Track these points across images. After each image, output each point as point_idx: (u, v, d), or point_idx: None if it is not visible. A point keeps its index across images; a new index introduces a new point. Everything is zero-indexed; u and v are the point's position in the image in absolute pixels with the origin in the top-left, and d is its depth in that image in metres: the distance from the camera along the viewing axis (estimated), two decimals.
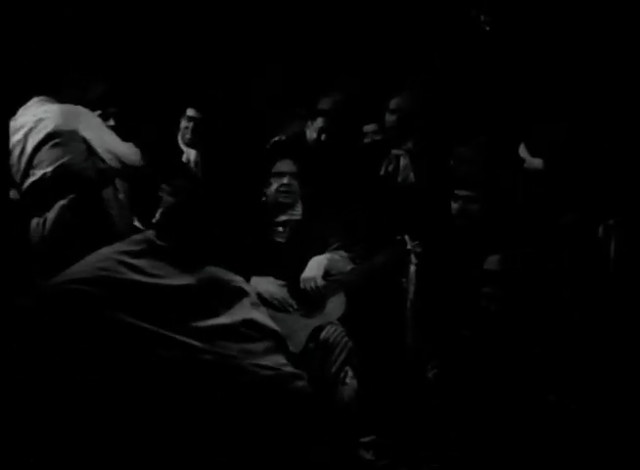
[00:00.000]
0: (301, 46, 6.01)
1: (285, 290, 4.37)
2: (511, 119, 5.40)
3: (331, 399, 4.13)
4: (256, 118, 5.87)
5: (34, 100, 4.37)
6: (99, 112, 4.80)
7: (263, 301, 4.27)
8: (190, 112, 5.57)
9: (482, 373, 4.00)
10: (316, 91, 5.67)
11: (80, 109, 4.33)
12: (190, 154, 5.61)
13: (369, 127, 5.49)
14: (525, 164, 5.16)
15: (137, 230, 4.74)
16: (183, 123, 5.62)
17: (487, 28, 1.19)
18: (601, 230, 4.61)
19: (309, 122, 5.31)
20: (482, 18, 1.19)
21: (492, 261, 4.23)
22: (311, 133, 5.29)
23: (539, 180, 5.06)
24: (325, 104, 5.37)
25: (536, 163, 5.16)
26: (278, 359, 3.59)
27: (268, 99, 6.04)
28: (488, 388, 3.92)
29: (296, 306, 4.36)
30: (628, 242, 4.47)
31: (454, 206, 4.62)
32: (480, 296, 4.18)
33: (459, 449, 3.80)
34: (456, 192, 4.60)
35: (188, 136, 5.57)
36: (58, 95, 4.39)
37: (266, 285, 4.37)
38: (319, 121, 5.26)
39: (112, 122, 4.90)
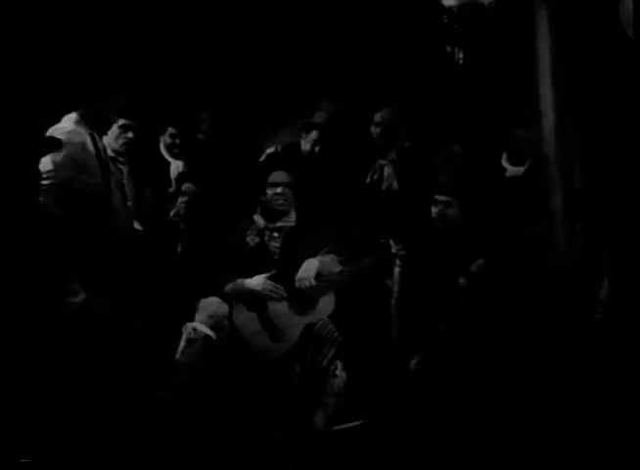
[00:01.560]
0: (294, 58, 6.11)
1: (269, 281, 4.59)
2: (490, 130, 5.62)
3: (322, 390, 4.40)
4: (250, 128, 6.03)
5: (73, 115, 4.44)
6: (122, 121, 5.00)
7: (260, 296, 4.58)
8: (171, 129, 5.68)
9: (459, 365, 4.25)
10: (309, 101, 5.76)
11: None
12: (178, 165, 5.73)
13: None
14: (507, 173, 5.40)
15: (137, 232, 4.99)
16: (167, 139, 5.71)
17: (461, 62, 1.43)
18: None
19: (303, 134, 5.45)
20: (456, 52, 1.43)
21: (478, 265, 4.51)
22: (305, 145, 5.44)
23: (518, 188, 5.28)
24: (319, 117, 5.49)
25: (516, 171, 5.42)
26: None
27: (262, 108, 6.17)
28: (465, 378, 4.17)
29: (285, 293, 4.58)
30: (592, 246, 4.75)
31: (434, 210, 4.74)
32: (457, 291, 4.44)
33: (440, 435, 3.98)
34: (436, 197, 4.74)
35: (176, 150, 5.69)
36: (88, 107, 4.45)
37: (255, 282, 4.60)
38: (313, 134, 5.41)
39: (130, 135, 5.08)
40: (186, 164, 5.76)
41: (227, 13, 6.07)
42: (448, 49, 1.40)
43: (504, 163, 5.37)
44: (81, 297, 4.17)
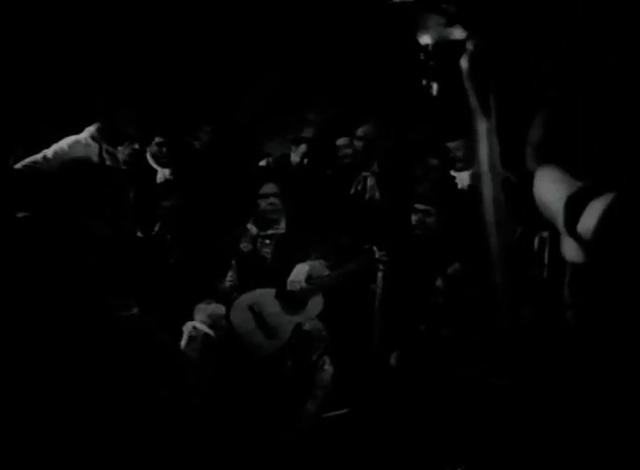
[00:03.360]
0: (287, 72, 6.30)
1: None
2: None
3: (312, 382, 4.65)
4: (246, 141, 6.17)
5: (91, 129, 4.76)
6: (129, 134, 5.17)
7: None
8: (158, 139, 5.79)
9: (437, 360, 4.50)
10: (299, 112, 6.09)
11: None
12: (165, 173, 5.84)
13: (341, 141, 5.78)
14: (456, 180, 5.60)
15: (139, 240, 5.20)
16: (154, 148, 5.79)
17: (435, 94, 1.66)
18: (536, 241, 5.21)
19: (293, 147, 5.76)
20: (432, 85, 1.67)
21: (454, 268, 4.78)
22: (295, 157, 5.75)
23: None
24: (308, 132, 5.85)
25: (461, 176, 5.57)
26: None
27: (257, 115, 6.32)
28: (442, 372, 4.42)
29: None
30: (559, 251, 5.08)
31: (414, 218, 4.99)
32: (437, 294, 4.69)
33: (417, 424, 4.27)
34: (416, 206, 5.00)
35: (164, 160, 5.79)
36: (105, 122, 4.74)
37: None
38: (302, 147, 5.75)
39: (136, 146, 5.32)
40: (174, 172, 5.86)
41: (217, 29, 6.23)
42: (424, 82, 1.65)
43: (452, 171, 5.65)
44: (135, 310, 4.42)
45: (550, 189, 1.43)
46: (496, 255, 1.54)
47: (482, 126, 1.50)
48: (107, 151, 4.81)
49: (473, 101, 1.51)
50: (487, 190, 1.50)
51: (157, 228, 5.41)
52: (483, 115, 1.50)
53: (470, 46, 1.54)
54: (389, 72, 5.31)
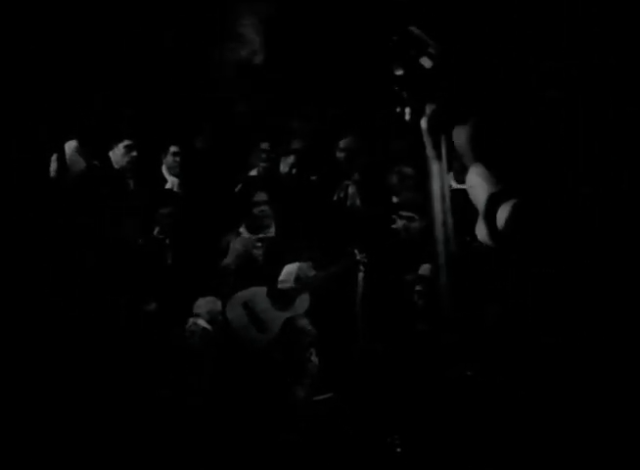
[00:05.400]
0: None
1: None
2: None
3: (300, 373, 4.93)
4: (240, 148, 6.38)
5: (73, 143, 5.04)
6: (127, 142, 5.53)
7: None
8: (173, 148, 6.03)
9: (416, 353, 4.79)
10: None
11: None
12: (174, 182, 6.10)
13: None
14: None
15: (141, 247, 5.51)
16: (169, 158, 6.02)
17: (408, 118, 1.93)
18: None
19: (282, 158, 6.11)
20: (405, 112, 1.94)
21: (425, 268, 5.07)
22: (284, 167, 6.12)
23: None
24: (296, 144, 6.20)
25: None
26: None
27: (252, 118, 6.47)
28: (422, 365, 4.63)
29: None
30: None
31: (399, 223, 5.28)
32: (413, 293, 4.99)
33: (392, 405, 4.57)
34: (400, 213, 5.30)
35: (177, 169, 6.02)
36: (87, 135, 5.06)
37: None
38: (291, 158, 6.11)
39: (134, 154, 5.57)
40: (182, 182, 6.07)
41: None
42: (398, 109, 1.92)
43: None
44: (153, 306, 4.84)
45: (477, 182, 1.86)
46: (442, 262, 1.94)
47: (436, 167, 1.94)
48: (95, 159, 5.16)
49: (429, 150, 1.95)
50: (437, 216, 1.92)
51: (155, 232, 5.66)
52: (437, 159, 1.94)
53: (428, 110, 1.97)
54: (369, 93, 5.67)
